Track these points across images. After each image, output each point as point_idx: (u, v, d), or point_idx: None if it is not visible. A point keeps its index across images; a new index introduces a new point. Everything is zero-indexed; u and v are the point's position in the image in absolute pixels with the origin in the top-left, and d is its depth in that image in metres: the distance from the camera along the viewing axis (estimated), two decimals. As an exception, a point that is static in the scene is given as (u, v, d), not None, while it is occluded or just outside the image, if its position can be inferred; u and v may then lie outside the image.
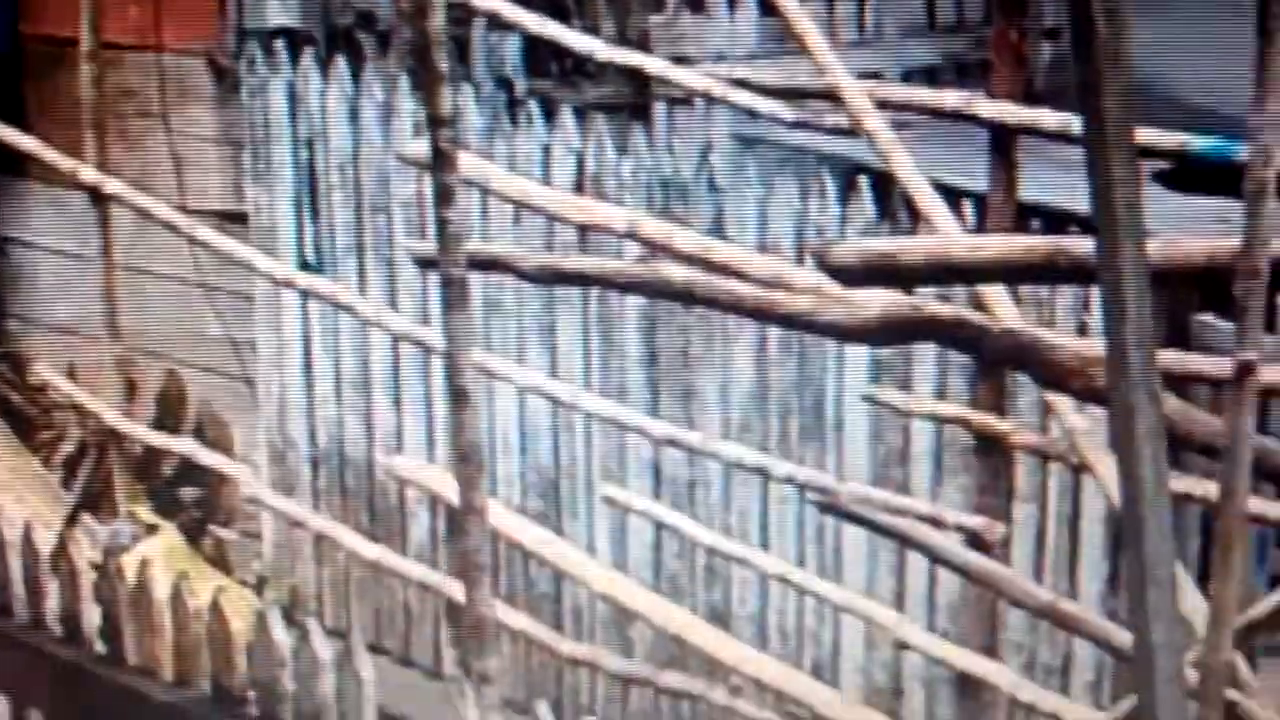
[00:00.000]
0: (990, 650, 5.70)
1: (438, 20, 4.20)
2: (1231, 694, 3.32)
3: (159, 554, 7.04)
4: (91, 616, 4.93)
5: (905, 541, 5.14)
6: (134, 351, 7.73)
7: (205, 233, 7.28)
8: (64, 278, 9.27)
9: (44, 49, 9.33)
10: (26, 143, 7.76)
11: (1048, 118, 5.20)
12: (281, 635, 4.55)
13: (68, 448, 8.93)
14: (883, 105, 5.05)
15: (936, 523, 5.62)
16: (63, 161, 7.56)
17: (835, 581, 6.45)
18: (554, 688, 7.05)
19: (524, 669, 7.02)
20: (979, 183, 5.55)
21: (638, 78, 6.97)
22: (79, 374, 8.24)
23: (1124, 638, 3.14)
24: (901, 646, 6.26)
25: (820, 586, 6.24)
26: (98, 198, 7.47)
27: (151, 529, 7.53)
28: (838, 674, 6.70)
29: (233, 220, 8.05)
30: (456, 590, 4.98)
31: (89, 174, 7.43)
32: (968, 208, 5.74)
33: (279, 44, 8.14)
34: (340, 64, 7.97)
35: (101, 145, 7.43)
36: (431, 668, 7.67)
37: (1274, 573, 6.02)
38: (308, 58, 8.02)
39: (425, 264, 4.42)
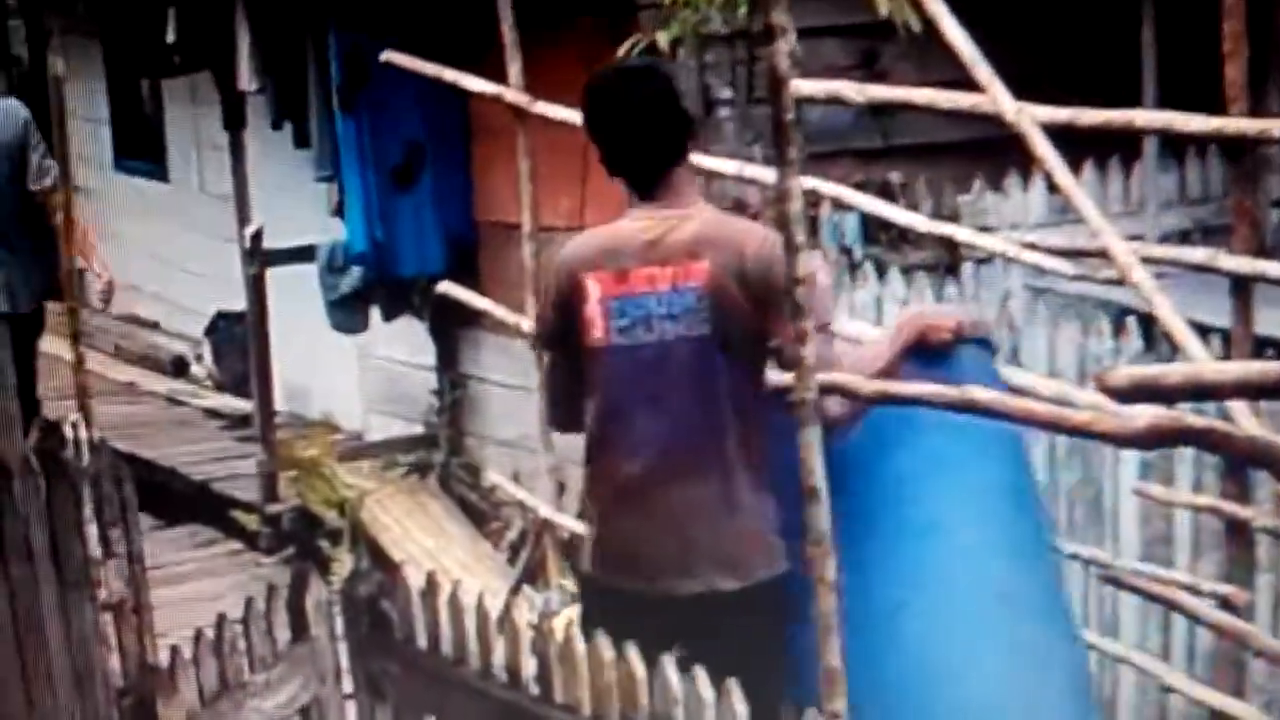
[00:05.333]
0: (1238, 692, 5.52)
1: (797, 205, 4.18)
2: None
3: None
4: (529, 666, 4.92)
5: (1170, 605, 5.01)
6: (562, 460, 7.76)
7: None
8: (509, 405, 9.35)
9: (494, 231, 9.47)
10: (481, 303, 7.84)
11: (1277, 269, 5.08)
12: (674, 679, 4.52)
13: (511, 535, 9.00)
14: (1145, 261, 4.95)
15: (1195, 590, 5.47)
16: (509, 317, 7.60)
17: (1113, 638, 6.30)
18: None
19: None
20: (1223, 320, 5.41)
21: (950, 243, 6.88)
22: (521, 478, 8.29)
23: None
24: (1167, 690, 6.10)
25: (1102, 642, 6.10)
26: (537, 344, 7.52)
27: (575, 598, 7.54)
28: (1115, 713, 6.53)
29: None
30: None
31: (530, 326, 7.47)
32: (1215, 340, 5.60)
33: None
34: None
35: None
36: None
37: None
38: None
39: (777, 394, 4.39)
